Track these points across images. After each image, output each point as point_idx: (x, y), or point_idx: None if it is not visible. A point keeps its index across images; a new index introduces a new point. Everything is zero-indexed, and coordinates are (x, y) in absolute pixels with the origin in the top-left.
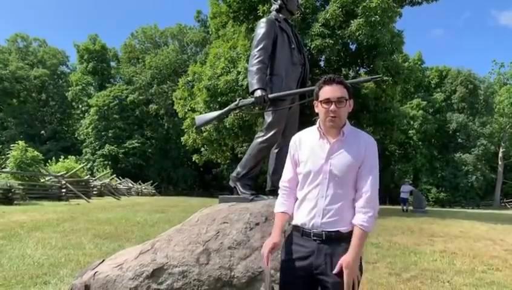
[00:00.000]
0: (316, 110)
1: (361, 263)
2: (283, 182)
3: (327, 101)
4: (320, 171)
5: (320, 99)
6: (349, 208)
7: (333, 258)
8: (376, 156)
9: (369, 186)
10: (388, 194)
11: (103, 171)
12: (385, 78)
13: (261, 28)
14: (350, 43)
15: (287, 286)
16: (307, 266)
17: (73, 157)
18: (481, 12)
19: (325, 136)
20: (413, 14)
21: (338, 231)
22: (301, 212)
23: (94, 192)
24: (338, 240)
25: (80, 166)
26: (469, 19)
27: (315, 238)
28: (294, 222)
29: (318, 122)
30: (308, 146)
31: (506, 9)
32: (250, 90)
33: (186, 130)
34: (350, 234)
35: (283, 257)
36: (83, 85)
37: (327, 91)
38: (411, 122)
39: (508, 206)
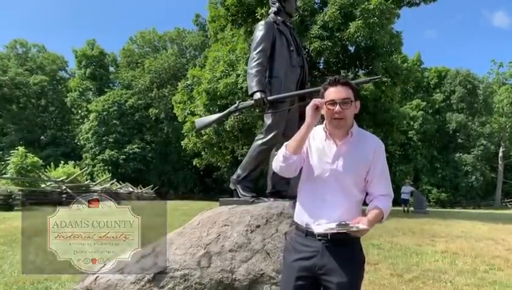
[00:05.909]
0: (322, 112)
1: (364, 262)
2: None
3: (332, 102)
4: (325, 172)
5: (325, 100)
6: (354, 210)
7: (339, 258)
8: (384, 157)
9: (383, 187)
10: None
11: (103, 176)
12: (384, 79)
13: (259, 30)
14: (349, 45)
15: (289, 286)
16: (311, 266)
17: (72, 162)
18: (473, 14)
19: (331, 137)
20: (406, 15)
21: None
22: (305, 213)
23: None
24: (343, 241)
25: (80, 171)
26: (461, 20)
27: (319, 238)
28: (297, 222)
29: (324, 122)
30: (316, 145)
31: (498, 11)
32: (250, 92)
33: (186, 133)
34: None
35: (285, 257)
36: (82, 90)
37: (332, 92)
38: (411, 123)
39: (509, 206)
